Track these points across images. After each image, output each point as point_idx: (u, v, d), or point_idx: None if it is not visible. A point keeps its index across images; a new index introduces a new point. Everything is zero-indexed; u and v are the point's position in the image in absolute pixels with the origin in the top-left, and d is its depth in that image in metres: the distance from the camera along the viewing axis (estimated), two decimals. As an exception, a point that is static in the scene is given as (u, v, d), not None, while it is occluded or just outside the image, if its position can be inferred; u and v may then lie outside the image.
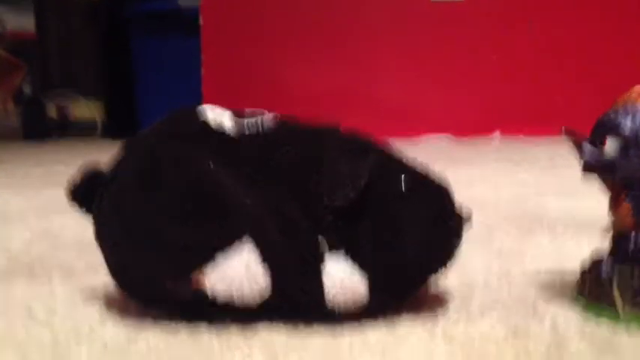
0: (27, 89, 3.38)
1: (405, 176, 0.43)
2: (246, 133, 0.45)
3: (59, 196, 0.46)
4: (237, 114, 0.46)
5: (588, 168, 0.44)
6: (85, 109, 3.23)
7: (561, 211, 0.90)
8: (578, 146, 0.45)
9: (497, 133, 2.48)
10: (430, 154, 1.76)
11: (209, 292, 0.41)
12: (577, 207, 0.93)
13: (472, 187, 1.17)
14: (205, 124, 0.45)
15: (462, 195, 0.45)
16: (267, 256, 0.40)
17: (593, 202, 0.96)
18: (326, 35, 2.58)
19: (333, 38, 2.58)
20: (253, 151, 0.43)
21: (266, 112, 0.47)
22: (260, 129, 0.45)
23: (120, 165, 0.44)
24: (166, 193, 0.41)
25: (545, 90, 2.47)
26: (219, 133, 0.44)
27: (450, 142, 2.40)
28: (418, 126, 2.47)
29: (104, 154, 0.51)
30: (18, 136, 3.10)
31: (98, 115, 3.19)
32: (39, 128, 3.04)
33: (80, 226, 0.82)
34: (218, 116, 0.45)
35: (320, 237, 0.41)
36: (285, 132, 0.45)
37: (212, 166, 0.41)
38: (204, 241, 0.40)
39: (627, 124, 0.43)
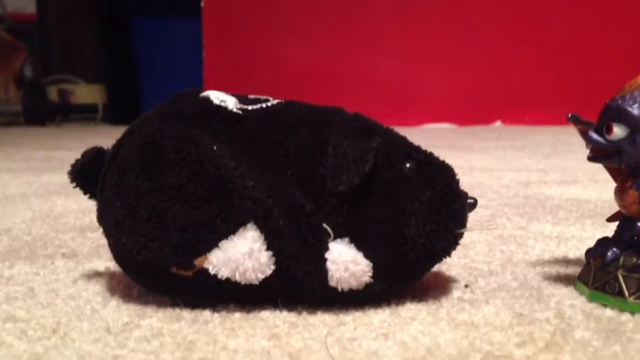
0: (28, 72, 3.37)
1: (409, 159, 0.43)
2: (250, 109, 0.44)
3: (60, 179, 0.47)
4: (242, 99, 0.46)
5: (595, 155, 0.44)
6: (87, 93, 3.22)
7: (564, 197, 0.90)
8: (585, 132, 0.44)
9: (498, 122, 2.47)
10: (432, 141, 1.76)
11: (212, 274, 0.40)
12: (580, 194, 0.93)
13: (474, 173, 1.17)
14: (209, 104, 0.44)
15: (464, 182, 0.45)
16: (272, 242, 0.40)
17: (596, 188, 0.96)
18: (328, 20, 2.57)
19: (336, 24, 2.56)
20: (257, 131, 0.43)
21: (271, 98, 0.47)
22: (265, 108, 0.45)
23: (123, 146, 0.44)
24: (169, 175, 0.41)
25: (548, 76, 2.46)
26: (222, 113, 0.44)
27: (451, 129, 2.40)
28: (419, 114, 2.46)
29: (106, 138, 0.51)
30: (19, 120, 3.10)
31: (100, 99, 3.19)
32: (40, 112, 3.04)
33: (82, 209, 0.82)
34: (222, 97, 0.45)
35: (324, 221, 0.40)
36: (290, 113, 0.45)
37: (216, 147, 0.41)
38: (208, 226, 0.40)
39: (634, 111, 0.42)
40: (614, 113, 0.43)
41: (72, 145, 1.92)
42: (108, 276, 0.52)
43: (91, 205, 0.47)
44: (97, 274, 0.52)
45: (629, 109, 0.42)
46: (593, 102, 0.60)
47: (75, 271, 0.54)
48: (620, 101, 0.43)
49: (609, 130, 0.42)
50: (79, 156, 0.47)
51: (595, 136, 0.43)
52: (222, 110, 0.44)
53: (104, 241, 0.45)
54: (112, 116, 3.12)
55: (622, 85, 0.44)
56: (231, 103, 0.44)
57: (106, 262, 0.56)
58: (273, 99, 0.47)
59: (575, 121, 0.45)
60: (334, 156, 0.41)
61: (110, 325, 0.41)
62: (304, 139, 0.43)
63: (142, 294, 0.46)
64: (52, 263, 0.56)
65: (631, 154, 0.42)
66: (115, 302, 0.45)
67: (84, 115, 3.25)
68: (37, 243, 0.65)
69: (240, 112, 0.44)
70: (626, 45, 2.38)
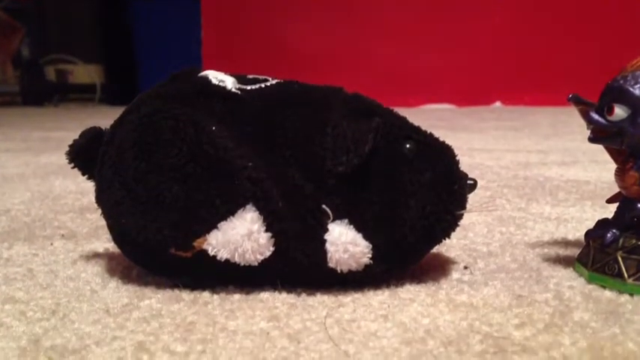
0: (25, 52, 3.35)
1: (409, 140, 0.42)
2: (249, 89, 0.44)
3: (59, 160, 0.46)
4: (240, 78, 0.45)
5: (595, 136, 0.44)
6: (85, 73, 3.20)
7: (563, 178, 0.90)
8: (586, 113, 0.44)
9: (498, 102, 2.46)
10: (431, 122, 1.75)
11: (211, 255, 0.40)
12: (580, 175, 0.93)
13: (473, 154, 1.17)
14: (207, 84, 0.44)
15: (463, 162, 0.45)
16: (271, 223, 0.40)
17: (595, 169, 0.96)
18: (328, 1, 2.55)
19: (336, 3, 2.55)
20: (256, 109, 0.43)
21: (269, 78, 0.46)
22: (263, 88, 0.44)
23: (121, 127, 0.44)
24: (168, 156, 0.41)
25: (548, 57, 2.45)
26: (221, 92, 0.43)
27: (451, 110, 2.39)
28: (419, 94, 2.46)
29: (104, 118, 0.50)
30: (17, 100, 3.09)
31: (98, 79, 3.17)
32: (38, 92, 3.03)
33: (80, 190, 0.82)
34: (220, 77, 0.44)
35: (324, 202, 0.40)
36: (289, 92, 0.45)
37: (214, 127, 0.41)
38: (207, 207, 0.40)
39: (636, 91, 0.42)
40: (615, 94, 0.42)
41: (70, 125, 1.91)
42: (107, 257, 0.52)
43: (90, 186, 0.47)
44: (96, 255, 0.52)
45: (631, 89, 0.42)
46: (594, 82, 0.59)
47: (74, 252, 0.54)
48: (621, 81, 0.42)
49: (610, 111, 0.42)
50: (77, 136, 0.47)
51: (596, 116, 0.43)
52: (220, 90, 0.44)
53: (103, 222, 0.45)
54: (110, 96, 3.10)
55: (624, 66, 0.43)
56: (229, 83, 0.44)
57: (105, 243, 0.56)
58: (272, 79, 0.46)
59: (576, 101, 0.45)
60: (334, 137, 0.41)
61: (109, 306, 0.41)
62: (303, 120, 0.42)
63: (141, 275, 0.46)
64: (51, 244, 0.56)
65: (632, 135, 0.42)
66: (114, 283, 0.45)
67: (82, 95, 3.24)
68: (35, 224, 0.65)
69: (239, 92, 0.44)
70: (627, 24, 2.36)
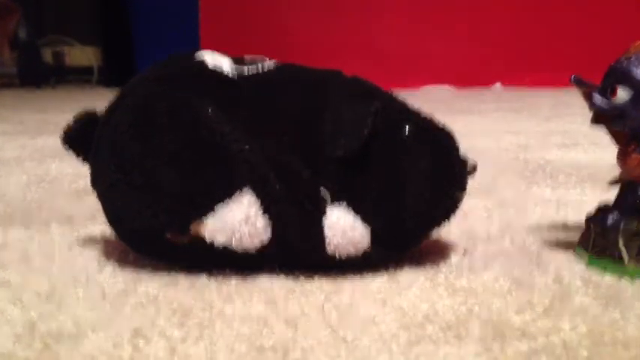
0: (22, 34, 3.32)
1: (409, 124, 0.42)
2: (246, 74, 0.43)
3: (55, 143, 0.45)
4: (237, 60, 0.45)
5: (598, 117, 0.43)
6: (82, 55, 3.18)
7: (563, 161, 0.89)
8: (588, 95, 0.43)
9: (498, 84, 2.45)
10: (430, 104, 1.74)
11: (208, 241, 0.40)
12: (580, 157, 0.92)
13: (473, 137, 1.16)
14: (203, 67, 0.43)
15: (463, 145, 0.44)
16: (268, 207, 0.39)
17: (596, 152, 0.95)
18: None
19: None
20: (253, 94, 0.42)
21: (267, 58, 0.45)
22: (260, 72, 0.44)
23: (116, 109, 0.43)
24: (163, 139, 0.40)
25: (548, 37, 2.43)
26: (217, 75, 0.43)
27: (450, 92, 2.38)
28: (418, 76, 2.44)
29: (101, 101, 0.50)
30: (14, 82, 3.07)
31: (95, 61, 3.15)
32: (35, 74, 3.00)
33: (77, 173, 0.81)
34: (217, 60, 0.44)
35: (322, 187, 0.40)
36: (287, 75, 0.44)
37: (211, 111, 0.40)
38: (204, 192, 0.39)
39: (639, 73, 0.41)
40: (618, 75, 0.42)
41: (67, 107, 1.90)
42: (103, 241, 0.51)
43: (86, 169, 0.46)
44: (92, 239, 0.52)
45: (635, 71, 0.41)
46: (597, 64, 0.58)
47: (70, 236, 0.53)
48: (625, 63, 0.42)
49: (613, 93, 0.42)
50: (72, 120, 0.46)
51: (598, 98, 0.42)
52: (217, 74, 0.43)
53: (100, 206, 0.45)
54: (107, 78, 3.08)
55: (627, 47, 0.43)
56: (226, 65, 0.43)
57: (101, 227, 0.55)
58: (270, 60, 0.45)
59: (579, 83, 0.44)
60: (332, 121, 0.40)
61: (106, 291, 0.40)
62: (301, 104, 0.42)
63: (137, 259, 0.46)
64: (48, 228, 0.56)
65: (634, 118, 0.41)
66: (110, 268, 0.45)
67: (79, 77, 3.22)
68: (32, 207, 0.64)
69: (236, 75, 0.43)
70: (631, 4, 2.35)
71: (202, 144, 0.39)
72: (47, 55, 3.17)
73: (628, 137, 0.43)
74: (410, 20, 2.52)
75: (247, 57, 0.46)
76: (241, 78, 0.43)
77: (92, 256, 0.48)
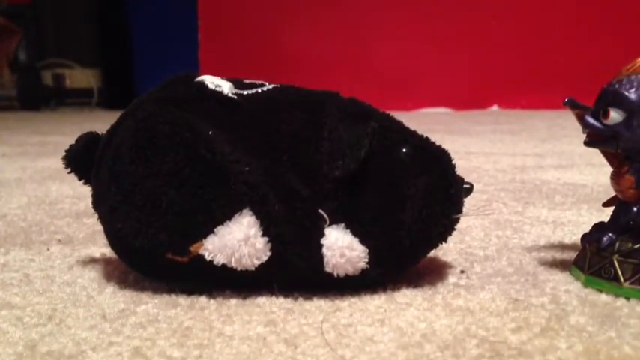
0: (22, 56, 3.34)
1: (405, 145, 0.43)
2: (245, 94, 0.44)
3: (55, 164, 0.46)
4: (237, 83, 0.45)
5: (591, 139, 0.44)
6: (82, 77, 3.20)
7: (560, 182, 0.90)
8: (581, 117, 0.44)
9: (495, 106, 2.47)
10: (428, 125, 1.75)
11: (208, 260, 0.40)
12: (576, 178, 0.93)
13: (470, 158, 1.17)
14: (204, 88, 0.44)
15: (461, 166, 0.45)
16: (267, 228, 0.40)
17: (592, 172, 0.96)
18: (325, 6, 2.55)
19: (332, 9, 2.55)
20: (253, 114, 0.43)
21: (266, 82, 0.46)
22: (260, 93, 0.44)
23: (117, 131, 0.44)
24: (164, 160, 0.41)
25: (544, 60, 2.45)
26: (217, 96, 0.43)
27: (447, 114, 2.39)
28: (416, 98, 2.46)
29: (101, 123, 0.50)
30: (14, 104, 3.08)
31: (95, 83, 3.17)
32: (35, 96, 3.02)
33: (77, 195, 0.82)
34: (217, 82, 0.44)
35: (320, 207, 0.40)
36: (286, 97, 0.45)
37: (211, 132, 0.41)
38: (204, 212, 0.40)
39: (631, 95, 0.42)
40: (610, 97, 0.42)
41: (67, 129, 1.91)
42: (104, 262, 0.51)
43: (87, 191, 0.47)
44: (92, 260, 0.52)
45: (626, 93, 0.42)
46: (590, 86, 0.59)
47: (71, 257, 0.53)
48: (616, 85, 0.43)
49: (606, 115, 0.42)
50: (74, 141, 0.47)
51: (591, 120, 0.43)
52: (217, 95, 0.44)
53: (100, 227, 0.45)
54: (107, 100, 3.10)
55: (619, 69, 0.44)
56: (226, 87, 0.44)
57: (101, 248, 0.56)
58: (269, 83, 0.46)
59: (572, 105, 0.45)
60: (330, 141, 0.41)
61: (106, 311, 0.41)
62: (300, 124, 0.42)
63: (137, 280, 0.46)
64: (48, 249, 0.56)
65: (627, 139, 0.42)
66: (110, 288, 0.45)
67: (79, 99, 3.23)
68: (32, 229, 0.65)
69: (236, 96, 0.44)
70: (623, 28, 2.37)
71: (203, 164, 0.40)
72: (47, 77, 3.19)
73: (621, 158, 0.44)
74: (407, 43, 2.54)
75: (247, 80, 0.46)
76: (241, 98, 0.44)
77: (92, 277, 0.48)
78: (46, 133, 1.84)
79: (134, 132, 0.42)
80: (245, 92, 0.44)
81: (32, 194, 0.85)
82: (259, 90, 0.45)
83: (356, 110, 0.44)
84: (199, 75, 0.46)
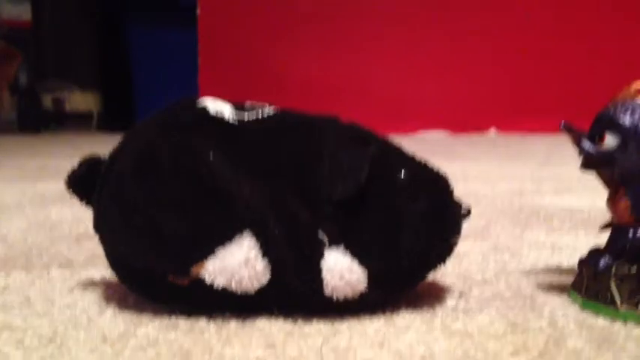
0: (22, 79, 3.35)
1: (404, 168, 0.43)
2: (246, 119, 0.45)
3: (55, 187, 0.47)
4: (238, 106, 0.46)
5: (587, 163, 0.44)
6: (81, 101, 3.21)
7: (558, 206, 0.90)
8: (577, 141, 0.45)
9: (492, 129, 2.48)
10: (426, 149, 1.76)
11: (208, 283, 0.41)
12: (573, 202, 0.93)
13: (468, 182, 1.17)
14: (205, 112, 0.44)
15: (458, 189, 0.45)
16: (267, 250, 0.40)
17: (589, 197, 0.97)
18: (323, 30, 2.58)
19: (330, 32, 2.57)
20: (254, 138, 0.43)
21: (267, 105, 0.47)
22: (260, 117, 0.45)
23: (120, 155, 0.44)
24: (165, 183, 0.41)
25: (542, 85, 2.47)
26: (219, 120, 0.44)
27: (445, 137, 2.40)
28: (414, 121, 2.47)
29: (100, 146, 0.51)
30: (13, 128, 3.09)
31: (94, 107, 3.18)
32: (34, 119, 3.03)
33: (77, 218, 0.82)
34: (218, 106, 0.45)
35: (320, 229, 0.41)
36: (286, 120, 0.45)
37: (212, 156, 0.41)
38: (205, 234, 0.40)
39: (626, 120, 0.43)
40: (605, 122, 0.43)
41: (66, 153, 1.92)
42: (104, 285, 0.52)
43: (86, 214, 0.47)
44: (93, 283, 0.53)
45: (621, 118, 0.43)
46: (586, 111, 0.60)
47: (71, 280, 0.54)
48: (611, 111, 0.43)
49: (601, 139, 0.43)
50: (73, 164, 0.47)
51: (587, 144, 0.44)
52: (218, 119, 0.44)
53: (100, 250, 0.46)
54: (106, 124, 3.11)
55: (614, 95, 0.44)
56: (227, 111, 0.45)
57: (101, 270, 0.56)
58: (270, 106, 0.47)
59: (568, 129, 0.46)
60: (330, 165, 0.41)
61: (106, 334, 0.41)
62: (300, 148, 0.43)
63: (138, 303, 0.46)
64: (48, 272, 0.56)
65: (623, 163, 0.43)
66: (111, 311, 0.45)
67: (78, 122, 3.24)
68: (32, 252, 0.65)
69: (237, 121, 0.44)
70: (618, 54, 2.39)
71: (204, 187, 0.41)
72: (47, 100, 3.20)
73: (617, 182, 0.45)
74: (406, 66, 2.56)
75: (248, 103, 0.47)
76: (242, 123, 0.44)
77: (93, 300, 0.48)
78: (45, 156, 1.85)
79: (136, 155, 0.43)
80: (246, 116, 0.45)
81: (32, 217, 0.85)
82: (260, 114, 0.45)
83: (355, 135, 0.44)
84: (201, 99, 0.47)
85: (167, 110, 0.46)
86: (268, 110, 0.46)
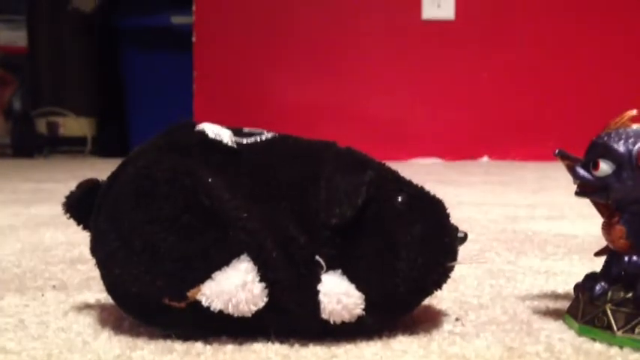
0: (17, 105, 3.36)
1: (401, 193, 0.43)
2: (245, 144, 0.45)
3: (49, 211, 0.47)
4: (236, 131, 0.46)
5: (582, 190, 0.45)
6: (76, 126, 3.21)
7: (552, 232, 0.91)
8: (572, 168, 0.45)
9: (486, 157, 2.49)
10: (420, 175, 1.76)
11: (205, 306, 0.41)
12: (567, 229, 0.94)
13: (462, 208, 1.18)
14: (204, 136, 0.45)
15: (453, 216, 0.46)
16: (265, 274, 0.40)
17: (582, 223, 0.97)
18: (320, 57, 2.60)
19: (327, 60, 2.60)
20: (252, 162, 0.44)
21: (265, 130, 0.47)
22: (259, 142, 0.45)
23: (118, 178, 0.44)
24: (163, 206, 0.41)
25: (534, 112, 2.50)
26: (217, 144, 0.44)
27: (438, 164, 2.41)
28: (407, 148, 2.49)
29: (94, 171, 0.51)
30: (7, 152, 3.09)
31: (89, 132, 3.18)
32: (28, 144, 3.03)
33: (71, 242, 0.82)
34: (217, 130, 0.45)
35: (317, 254, 0.41)
36: (284, 145, 0.46)
37: (210, 179, 0.42)
38: (202, 258, 0.40)
39: (620, 147, 0.43)
40: (600, 150, 0.44)
41: (60, 177, 1.91)
42: (99, 308, 0.51)
43: (80, 238, 0.47)
44: (87, 306, 0.52)
45: (615, 145, 0.43)
46: (580, 138, 0.61)
47: (65, 303, 0.53)
48: (605, 138, 0.44)
49: (596, 166, 0.43)
50: (67, 188, 0.47)
51: (582, 171, 0.44)
52: (217, 143, 0.45)
53: (94, 273, 0.45)
54: (100, 149, 3.11)
55: (608, 123, 0.45)
56: (226, 136, 0.45)
57: (96, 294, 0.56)
58: (267, 132, 0.47)
59: (563, 156, 0.46)
60: (327, 189, 0.42)
61: (101, 357, 0.41)
62: (298, 173, 0.43)
63: (133, 326, 0.46)
64: (42, 295, 0.56)
65: (617, 190, 0.43)
66: (106, 334, 0.45)
67: (72, 147, 3.24)
68: (26, 275, 0.65)
69: (236, 145, 0.45)
70: (613, 82, 2.42)
71: (202, 211, 0.41)
72: (41, 125, 3.20)
73: (612, 209, 0.45)
74: (400, 95, 2.58)
75: (246, 129, 0.47)
76: (241, 147, 0.45)
77: (88, 323, 0.48)
78: (39, 180, 1.84)
79: (134, 178, 0.43)
80: (245, 141, 0.45)
81: (26, 241, 0.85)
82: (258, 139, 0.46)
83: (353, 159, 0.45)
84: (199, 123, 0.47)
85: (166, 133, 0.47)
86: (267, 135, 0.47)
